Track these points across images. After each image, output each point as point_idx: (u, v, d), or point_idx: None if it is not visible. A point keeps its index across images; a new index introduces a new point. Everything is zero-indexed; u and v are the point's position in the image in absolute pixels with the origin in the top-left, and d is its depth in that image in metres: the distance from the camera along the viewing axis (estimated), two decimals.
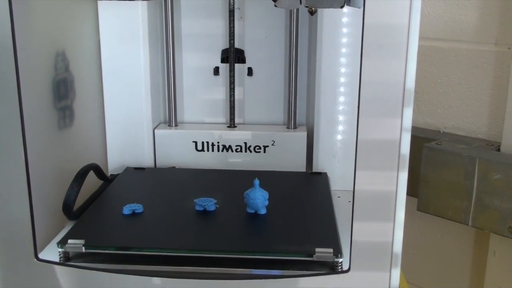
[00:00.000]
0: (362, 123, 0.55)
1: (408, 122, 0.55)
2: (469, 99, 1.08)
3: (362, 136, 0.55)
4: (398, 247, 0.58)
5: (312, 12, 0.61)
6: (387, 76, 0.54)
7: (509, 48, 1.01)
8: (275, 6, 0.62)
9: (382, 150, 0.56)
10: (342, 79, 0.87)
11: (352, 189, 0.89)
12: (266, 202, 0.72)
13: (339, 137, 0.89)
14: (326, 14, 0.84)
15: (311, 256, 0.62)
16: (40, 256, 0.65)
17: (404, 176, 0.56)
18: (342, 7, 0.59)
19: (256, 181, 0.72)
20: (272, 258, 0.64)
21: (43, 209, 0.69)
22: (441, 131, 1.13)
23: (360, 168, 0.56)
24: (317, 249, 0.63)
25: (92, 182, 0.80)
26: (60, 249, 0.65)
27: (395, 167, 0.56)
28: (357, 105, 0.87)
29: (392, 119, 0.55)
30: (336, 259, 0.62)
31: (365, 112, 0.55)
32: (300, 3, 0.60)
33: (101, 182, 0.84)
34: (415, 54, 0.53)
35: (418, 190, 1.05)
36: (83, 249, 0.64)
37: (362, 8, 0.53)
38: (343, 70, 0.87)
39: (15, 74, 0.61)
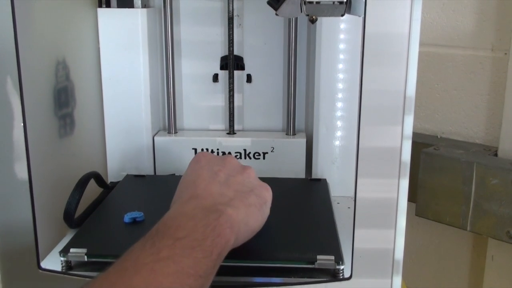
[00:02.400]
0: (363, 130, 0.55)
1: (409, 129, 0.55)
2: (466, 104, 1.09)
3: (363, 144, 0.56)
4: (399, 254, 0.58)
5: (313, 21, 0.61)
6: (387, 84, 0.54)
7: (505, 53, 1.02)
8: (276, 14, 0.62)
9: (383, 157, 0.56)
10: (341, 85, 0.87)
11: (351, 195, 0.91)
12: None
13: (338, 143, 0.90)
14: (324, 21, 0.84)
15: (313, 263, 0.63)
16: (42, 265, 0.66)
17: (405, 184, 0.56)
18: (342, 15, 0.60)
19: None
20: (273, 266, 0.64)
21: (44, 217, 0.69)
22: (439, 136, 1.14)
23: (361, 175, 0.57)
24: (319, 257, 0.63)
25: (92, 189, 0.81)
26: (62, 258, 0.65)
27: (396, 174, 0.56)
28: (356, 111, 0.88)
29: (393, 126, 0.55)
30: (337, 266, 0.62)
31: (366, 120, 0.55)
32: (301, 11, 0.61)
33: (101, 189, 0.84)
34: (415, 62, 0.54)
35: (417, 195, 1.06)
36: (85, 258, 0.64)
37: (362, 16, 0.54)
38: (341, 76, 0.87)
39: (18, 83, 0.61)
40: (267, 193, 0.62)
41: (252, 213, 0.57)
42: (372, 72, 0.54)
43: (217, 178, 0.59)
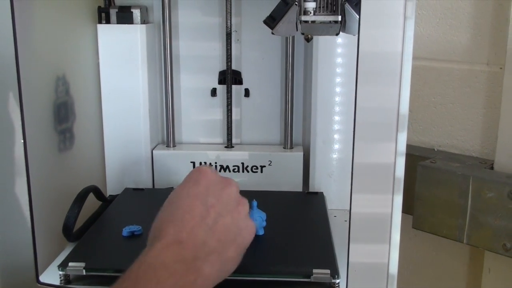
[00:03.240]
0: (357, 147, 0.56)
1: (402, 146, 0.56)
2: (462, 118, 1.10)
3: (358, 160, 0.56)
4: (393, 268, 0.59)
5: (308, 39, 0.62)
6: (381, 102, 0.55)
7: (500, 68, 1.03)
8: (272, 33, 0.63)
9: (377, 173, 0.57)
10: (337, 99, 0.88)
11: (347, 208, 0.91)
12: (264, 223, 0.73)
13: (335, 156, 0.90)
14: (321, 36, 0.85)
15: (309, 277, 0.63)
16: (41, 279, 0.66)
17: (399, 199, 0.57)
18: (337, 34, 0.61)
19: (254, 203, 0.72)
20: (269, 280, 0.64)
21: (43, 231, 0.69)
22: (435, 149, 1.14)
23: (356, 191, 0.57)
24: (315, 270, 0.63)
25: (91, 202, 0.81)
26: (61, 272, 0.65)
27: (390, 190, 0.57)
28: (352, 126, 0.89)
29: (387, 143, 0.56)
30: (333, 280, 0.63)
31: (360, 137, 0.56)
32: (297, 30, 0.62)
33: (100, 202, 0.85)
34: (408, 80, 0.55)
35: (413, 207, 1.07)
36: (84, 272, 0.65)
37: (356, 35, 0.55)
38: (338, 89, 0.88)
39: (18, 98, 0.62)
40: (249, 237, 0.60)
41: (227, 267, 0.57)
42: (366, 89, 0.55)
43: (206, 219, 0.56)
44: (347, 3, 0.61)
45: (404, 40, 0.53)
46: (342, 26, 0.61)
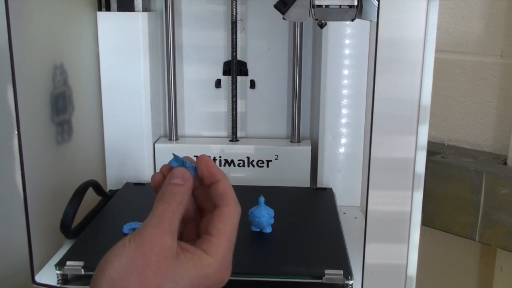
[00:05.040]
0: (375, 141, 0.53)
1: (423, 139, 0.53)
2: (474, 111, 1.06)
3: (376, 154, 0.53)
4: (412, 270, 0.56)
5: (321, 25, 0.59)
6: (401, 92, 0.52)
7: None
8: (284, 19, 0.60)
9: (396, 168, 0.54)
10: (346, 91, 0.85)
11: (357, 204, 0.88)
12: (272, 220, 0.70)
13: (343, 151, 0.87)
14: (331, 25, 0.82)
15: (321, 278, 0.60)
16: (37, 279, 0.63)
17: (419, 196, 0.54)
18: (353, 20, 0.57)
19: (261, 199, 0.69)
20: (279, 281, 0.61)
21: (40, 227, 0.66)
22: (446, 144, 1.11)
23: (373, 187, 0.54)
24: (327, 271, 0.60)
25: (90, 197, 0.78)
26: (58, 272, 0.62)
27: (409, 186, 0.54)
28: (362, 118, 0.86)
29: (407, 136, 0.53)
30: (346, 281, 0.60)
31: (379, 130, 0.52)
32: (310, 15, 0.58)
33: (99, 197, 0.81)
34: (431, 69, 0.51)
35: (424, 204, 1.03)
36: (82, 271, 0.62)
37: (375, 21, 0.51)
38: (347, 82, 0.85)
39: (12, 88, 0.59)
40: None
41: None
42: (385, 79, 0.51)
43: None
44: None
45: (427, 26, 0.50)
46: (358, 11, 0.58)
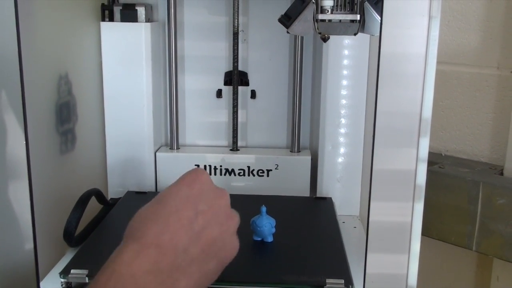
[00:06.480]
0: (377, 153, 0.54)
1: (424, 152, 0.54)
2: (471, 122, 1.08)
3: (377, 166, 0.54)
4: (413, 279, 0.57)
5: (325, 39, 0.60)
6: (403, 106, 0.53)
7: (511, 72, 1.01)
8: (288, 32, 0.61)
9: (397, 180, 0.55)
10: (346, 102, 0.86)
11: (357, 214, 0.89)
12: (273, 230, 0.71)
13: (343, 161, 0.88)
14: (331, 36, 0.83)
15: (322, 287, 0.61)
16: (42, 286, 0.63)
17: (419, 207, 0.55)
18: (355, 34, 0.59)
19: (263, 208, 0.70)
20: None
21: (43, 235, 0.67)
22: (443, 154, 1.12)
23: (374, 198, 0.55)
24: (328, 280, 0.61)
25: (91, 205, 0.79)
26: (62, 279, 0.63)
27: (410, 197, 0.55)
28: (362, 128, 0.87)
29: (408, 149, 0.54)
30: None
31: (381, 142, 0.53)
32: (313, 29, 0.59)
33: (101, 205, 0.82)
34: (432, 83, 0.52)
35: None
36: (87, 280, 0.62)
37: (377, 35, 0.53)
38: (346, 92, 0.86)
39: (20, 98, 0.59)
40: (231, 255, 0.55)
41: (204, 282, 0.52)
42: (387, 93, 0.52)
43: (193, 225, 0.51)
44: (366, 2, 0.59)
45: (428, 41, 0.51)
46: (360, 26, 0.59)
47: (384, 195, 0.55)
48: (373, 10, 0.59)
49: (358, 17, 0.59)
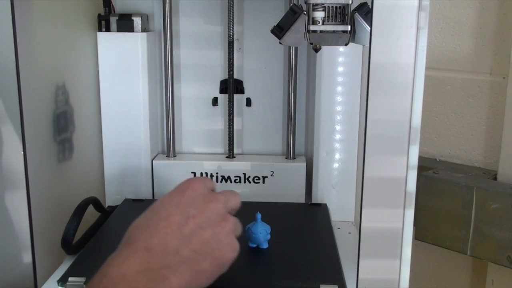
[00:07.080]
0: (368, 161, 0.55)
1: (414, 159, 0.55)
2: (465, 127, 1.09)
3: (369, 174, 0.55)
4: (405, 284, 0.57)
5: (316, 50, 0.61)
6: (393, 114, 0.54)
7: (504, 77, 1.02)
8: (280, 43, 0.62)
9: (388, 187, 0.56)
10: (340, 108, 0.87)
11: (352, 219, 0.90)
12: (268, 236, 0.72)
13: (338, 167, 0.89)
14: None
15: None
16: None
17: (410, 213, 0.56)
18: (346, 44, 0.60)
19: (258, 215, 0.71)
20: None
21: (41, 243, 0.67)
22: (437, 159, 1.13)
23: (366, 205, 0.56)
24: (322, 286, 0.62)
25: (89, 213, 0.79)
26: (60, 287, 0.63)
27: (401, 204, 0.56)
28: (356, 135, 0.88)
29: (398, 156, 0.55)
30: None
31: (371, 150, 0.55)
32: (305, 40, 0.61)
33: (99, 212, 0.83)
34: (421, 92, 0.54)
35: (416, 218, 1.05)
36: (84, 287, 0.63)
37: (367, 45, 0.54)
38: (341, 99, 0.87)
39: (18, 107, 0.60)
40: (230, 255, 0.57)
41: (199, 280, 0.54)
42: (377, 101, 0.53)
43: (183, 229, 0.54)
44: (356, 13, 0.60)
45: (416, 51, 0.52)
46: (351, 36, 0.60)
47: (375, 202, 0.56)
48: (363, 21, 0.60)
49: (348, 27, 0.60)
